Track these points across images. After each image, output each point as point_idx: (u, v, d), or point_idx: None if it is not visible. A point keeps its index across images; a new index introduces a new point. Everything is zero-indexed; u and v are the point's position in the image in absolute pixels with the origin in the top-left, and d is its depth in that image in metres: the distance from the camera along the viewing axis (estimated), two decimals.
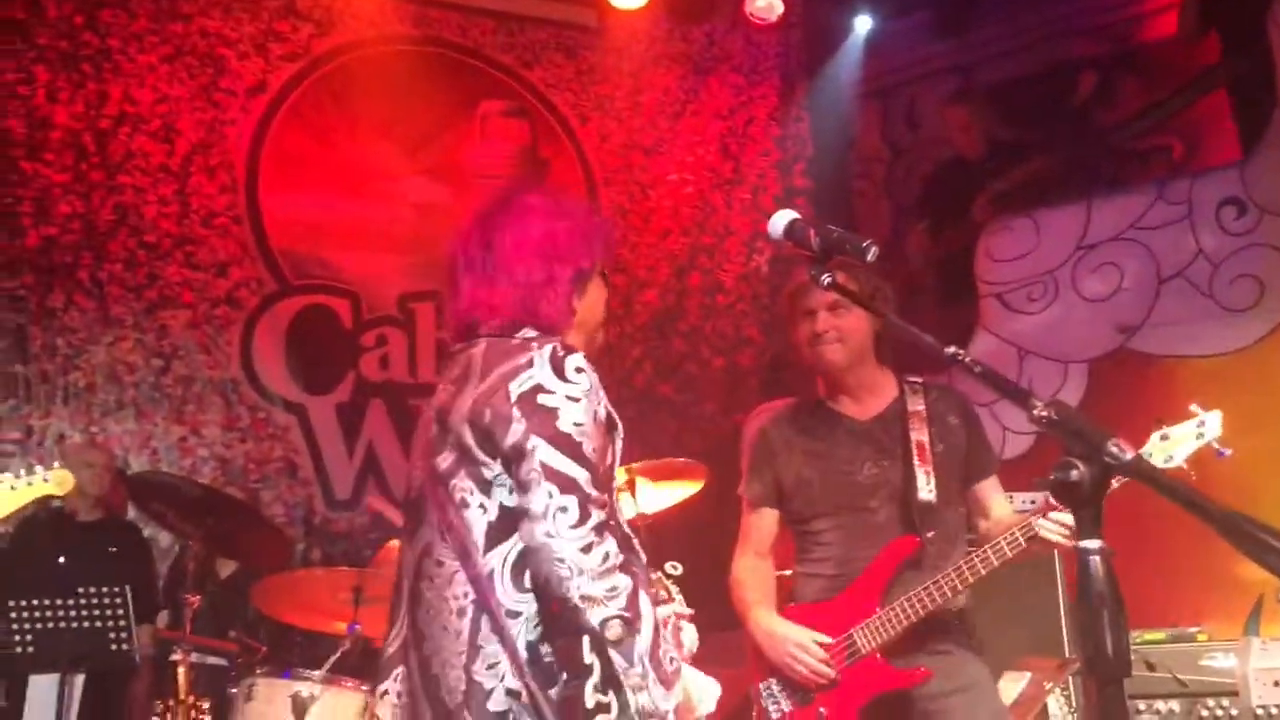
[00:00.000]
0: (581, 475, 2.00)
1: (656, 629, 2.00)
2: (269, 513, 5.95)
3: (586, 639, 1.94)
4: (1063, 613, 4.46)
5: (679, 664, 2.09)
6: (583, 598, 1.94)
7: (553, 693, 1.99)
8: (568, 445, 2.01)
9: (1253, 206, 6.16)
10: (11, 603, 4.37)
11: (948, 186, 7.19)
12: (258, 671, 3.92)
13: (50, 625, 4.33)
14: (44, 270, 5.98)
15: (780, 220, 2.06)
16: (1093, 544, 1.45)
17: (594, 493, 2.01)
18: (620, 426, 2.17)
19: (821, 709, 2.92)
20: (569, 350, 2.10)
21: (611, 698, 1.93)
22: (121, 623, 4.36)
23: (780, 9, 6.92)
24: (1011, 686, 3.62)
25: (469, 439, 2.08)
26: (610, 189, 7.13)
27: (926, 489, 2.95)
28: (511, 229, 2.22)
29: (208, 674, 4.62)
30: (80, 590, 4.36)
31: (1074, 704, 4.29)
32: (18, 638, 4.35)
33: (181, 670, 4.12)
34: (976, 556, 2.85)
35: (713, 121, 7.34)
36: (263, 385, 6.33)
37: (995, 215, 6.94)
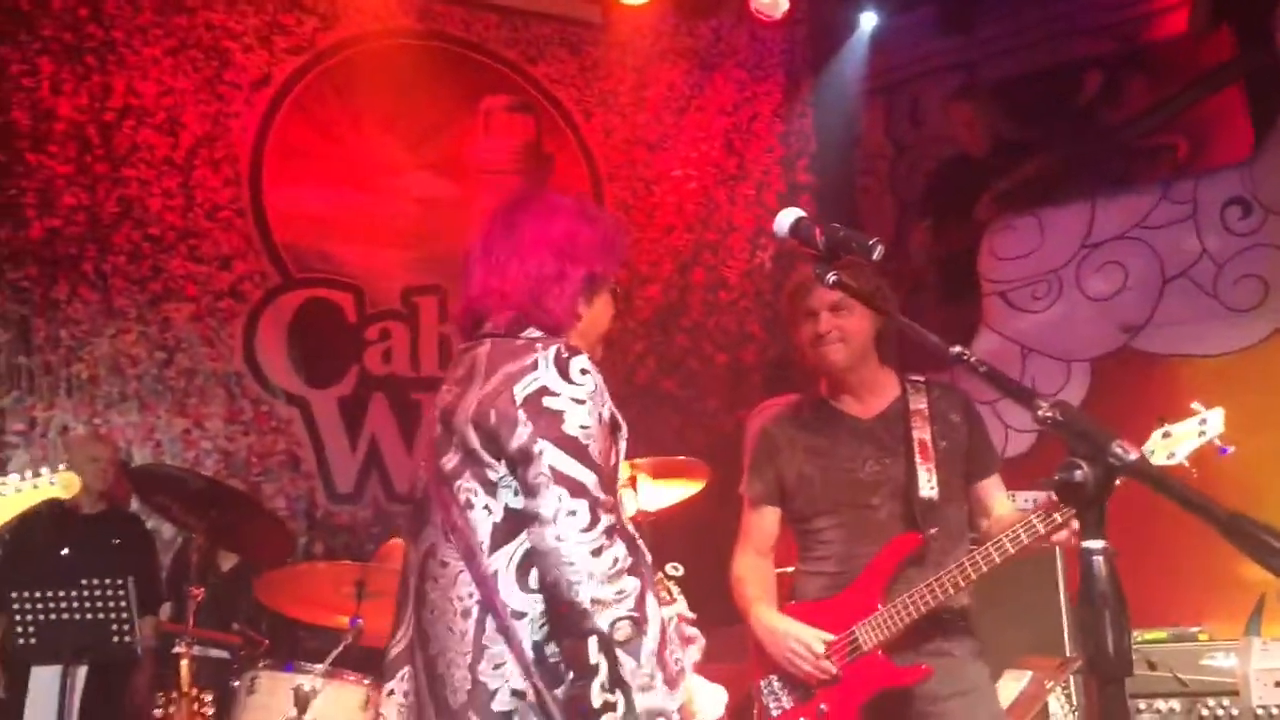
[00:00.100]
0: (590, 478, 2.01)
1: (663, 630, 2.01)
2: (271, 506, 5.96)
3: (594, 640, 1.94)
4: (1064, 611, 4.46)
5: (684, 664, 2.10)
6: (592, 601, 1.95)
7: (559, 692, 1.99)
8: (575, 448, 2.02)
9: (1258, 206, 6.15)
10: (14, 594, 4.39)
11: (952, 184, 7.19)
12: (260, 664, 3.93)
13: (53, 617, 4.34)
14: (48, 262, 5.99)
15: (786, 218, 2.05)
16: (1096, 544, 1.45)
17: (603, 496, 2.01)
18: (624, 428, 2.18)
19: (822, 705, 2.92)
20: (574, 352, 2.10)
21: (618, 697, 1.93)
22: (124, 615, 4.37)
23: (785, 5, 6.91)
24: (1012, 685, 3.62)
25: (474, 440, 2.08)
26: (614, 184, 7.13)
27: (928, 486, 2.96)
28: (536, 223, 2.23)
29: (210, 667, 4.62)
30: (83, 582, 4.37)
31: (1075, 703, 4.29)
32: (20, 629, 4.36)
33: (184, 663, 4.13)
34: (978, 554, 2.85)
35: (717, 117, 7.34)
36: (265, 378, 6.34)
37: (999, 213, 6.93)
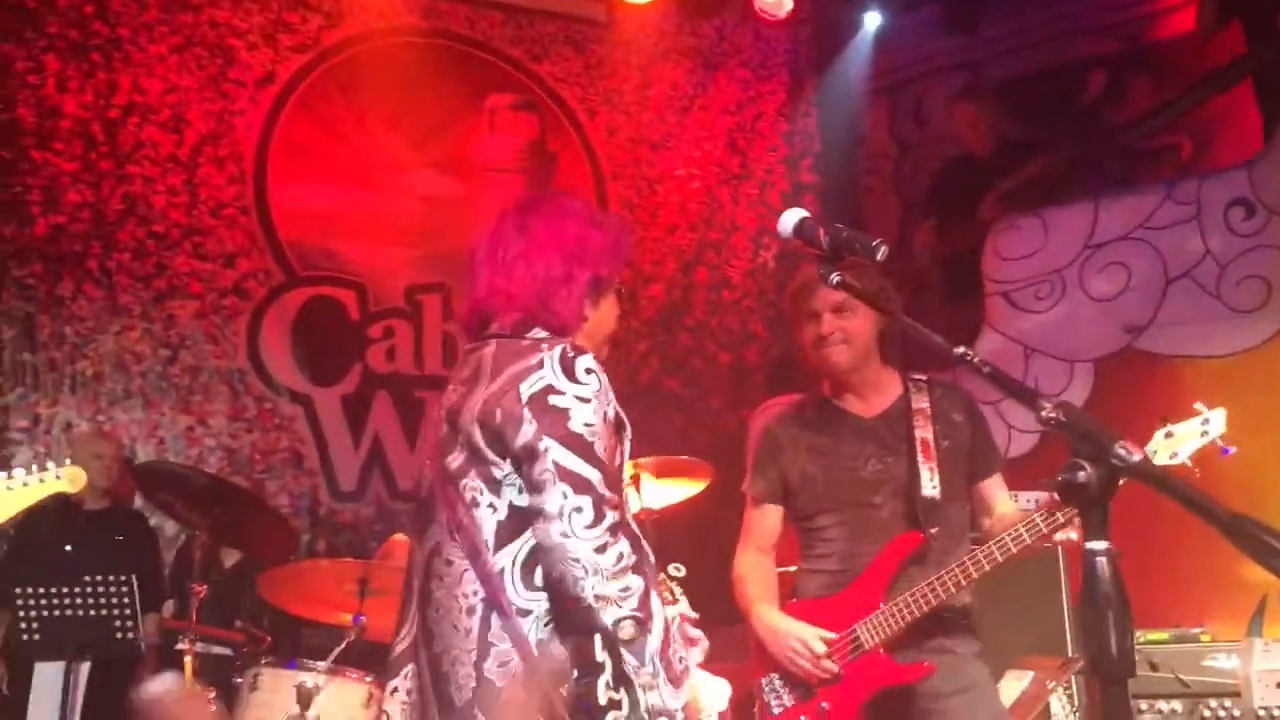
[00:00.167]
0: (595, 476, 2.02)
1: (667, 629, 2.02)
2: (274, 503, 5.95)
3: (599, 637, 1.95)
4: (1066, 612, 4.46)
5: (688, 663, 2.10)
6: (597, 598, 1.96)
7: (564, 690, 2.00)
8: (580, 446, 2.03)
9: (1261, 207, 6.15)
10: (18, 590, 4.39)
11: (955, 184, 7.19)
12: (263, 661, 3.94)
13: (56, 613, 4.34)
14: (53, 259, 5.99)
15: (790, 219, 2.05)
16: (1099, 545, 1.45)
17: (607, 493, 2.02)
18: (629, 427, 2.19)
19: (824, 704, 2.92)
20: (579, 351, 2.11)
21: (623, 695, 1.94)
22: (127, 611, 4.38)
23: (789, 5, 6.90)
24: (1014, 685, 3.63)
25: (479, 439, 2.09)
26: (618, 183, 7.13)
27: (930, 485, 2.96)
28: (548, 226, 2.24)
29: (213, 663, 4.63)
30: (86, 579, 4.38)
31: (1076, 703, 4.29)
32: (24, 625, 4.37)
33: (187, 659, 4.14)
34: (980, 552, 2.85)
35: (721, 116, 7.34)
36: (269, 376, 6.34)
37: (1003, 213, 6.93)
